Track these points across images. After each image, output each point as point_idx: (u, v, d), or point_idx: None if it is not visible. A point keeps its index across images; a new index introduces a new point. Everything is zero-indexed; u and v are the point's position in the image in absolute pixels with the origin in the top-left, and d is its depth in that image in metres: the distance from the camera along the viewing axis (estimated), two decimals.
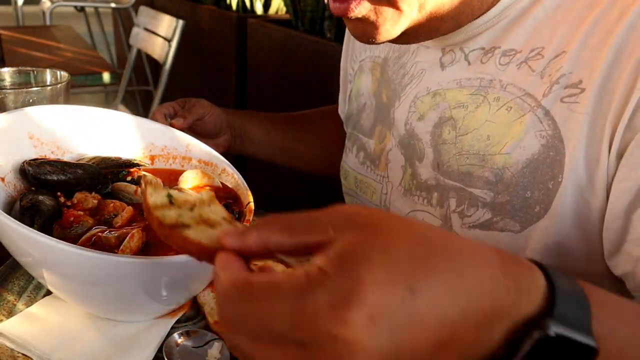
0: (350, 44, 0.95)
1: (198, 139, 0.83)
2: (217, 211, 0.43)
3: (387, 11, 0.59)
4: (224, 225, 0.41)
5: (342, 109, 1.00)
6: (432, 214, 0.70)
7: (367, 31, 0.61)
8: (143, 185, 0.43)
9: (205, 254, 0.38)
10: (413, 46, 0.76)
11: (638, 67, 0.53)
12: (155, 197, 0.42)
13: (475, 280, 0.31)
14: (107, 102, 3.75)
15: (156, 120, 0.80)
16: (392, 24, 0.60)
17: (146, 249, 0.55)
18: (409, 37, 0.63)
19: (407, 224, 0.33)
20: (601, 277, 0.61)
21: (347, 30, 0.96)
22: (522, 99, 0.61)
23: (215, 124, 0.91)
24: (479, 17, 0.63)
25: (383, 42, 0.62)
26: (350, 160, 0.86)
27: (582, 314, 0.34)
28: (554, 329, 0.32)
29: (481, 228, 0.64)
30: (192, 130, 0.86)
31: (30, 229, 0.47)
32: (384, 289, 0.28)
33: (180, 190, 0.43)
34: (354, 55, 0.93)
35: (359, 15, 0.59)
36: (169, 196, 0.42)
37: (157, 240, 0.57)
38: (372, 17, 0.60)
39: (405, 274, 0.29)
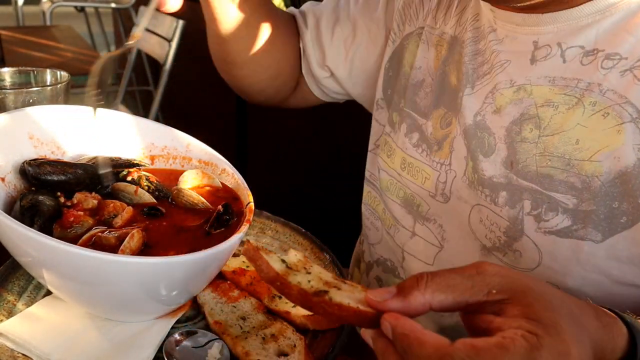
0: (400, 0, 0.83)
1: None
2: (318, 269, 0.45)
3: None
4: (345, 285, 0.45)
5: (342, 55, 0.88)
6: (496, 213, 0.66)
7: None
8: (252, 253, 0.44)
9: (362, 318, 0.41)
10: (493, 35, 0.70)
11: None
12: (273, 264, 0.44)
13: (594, 335, 0.40)
14: (107, 102, 3.75)
15: None
16: None
17: (146, 249, 0.55)
18: (524, 6, 0.59)
19: (546, 288, 0.41)
20: None
21: None
22: (623, 106, 0.57)
23: None
24: (584, 3, 0.60)
25: (519, 3, 0.58)
26: (399, 139, 0.80)
27: None
28: None
29: (559, 235, 0.61)
30: None
31: (30, 229, 0.47)
32: (577, 346, 0.38)
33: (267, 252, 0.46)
34: (404, 11, 0.83)
35: None
36: (283, 260, 0.45)
37: (157, 241, 0.57)
38: None
39: (578, 335, 0.38)
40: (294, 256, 0.47)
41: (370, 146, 0.89)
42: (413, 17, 0.82)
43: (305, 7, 0.94)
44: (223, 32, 0.83)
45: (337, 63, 0.91)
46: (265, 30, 0.86)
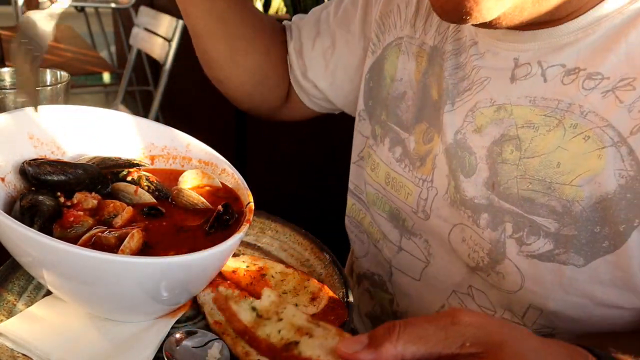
0: (377, 7, 0.81)
1: None
2: (292, 310, 0.45)
3: None
4: (318, 330, 0.45)
5: (324, 67, 0.88)
6: (479, 235, 0.65)
7: (460, 7, 0.52)
8: (222, 303, 0.44)
9: None
10: (474, 49, 0.68)
11: None
12: (242, 314, 0.43)
13: None
14: (107, 102, 3.75)
15: None
16: (496, 1, 0.52)
17: (146, 249, 0.55)
18: (501, 22, 0.55)
19: (522, 344, 0.40)
20: None
21: None
22: (604, 130, 0.55)
23: None
24: (566, 21, 0.57)
25: (476, 23, 0.54)
26: (383, 153, 0.78)
27: None
28: None
29: (540, 259, 0.60)
30: None
31: (30, 229, 0.47)
32: None
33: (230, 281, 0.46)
34: (382, 21, 0.81)
35: None
36: (253, 308, 0.45)
37: (157, 241, 0.57)
38: None
39: None
40: (267, 298, 0.47)
41: (354, 157, 0.88)
42: (392, 27, 0.80)
43: (293, 19, 0.94)
44: (197, 27, 0.82)
45: (319, 75, 0.90)
46: (243, 30, 0.84)
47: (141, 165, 0.67)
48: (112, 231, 0.56)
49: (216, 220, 0.59)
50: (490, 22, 0.55)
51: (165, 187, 0.66)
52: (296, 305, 0.60)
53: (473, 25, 0.56)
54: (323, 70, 0.90)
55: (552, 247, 0.59)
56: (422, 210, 0.73)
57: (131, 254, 0.53)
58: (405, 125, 0.76)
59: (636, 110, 0.54)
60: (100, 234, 0.55)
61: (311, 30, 0.90)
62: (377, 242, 0.83)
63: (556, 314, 0.62)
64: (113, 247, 0.54)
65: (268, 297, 0.47)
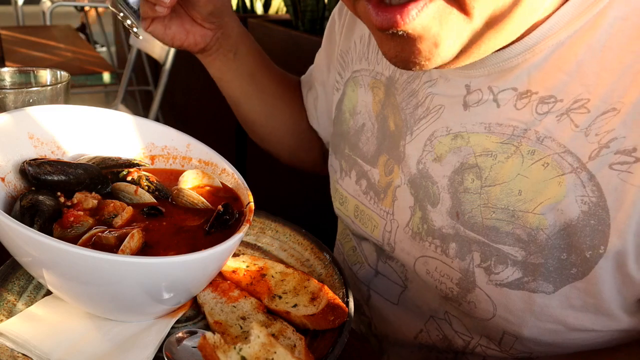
0: (338, 46, 0.83)
1: (181, 8, 0.75)
2: (282, 353, 0.45)
3: (453, 19, 0.48)
4: None
5: (317, 112, 0.93)
6: (448, 265, 0.64)
7: (415, 54, 0.50)
8: (208, 351, 0.43)
9: None
10: (427, 75, 0.66)
11: None
12: None
13: None
14: (107, 102, 3.75)
15: None
16: (455, 38, 0.49)
17: (146, 249, 0.55)
18: (450, 64, 0.53)
19: None
20: None
21: (331, 21, 0.87)
22: (562, 156, 0.54)
23: (212, 2, 0.75)
24: (512, 44, 0.55)
25: (432, 68, 0.52)
26: (349, 186, 0.78)
27: None
28: None
29: (510, 287, 0.59)
30: None
31: (30, 229, 0.47)
32: None
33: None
34: (341, 58, 0.82)
35: (418, 27, 0.47)
36: (243, 358, 0.44)
37: (157, 241, 0.57)
38: (435, 28, 0.48)
39: None
40: (256, 339, 0.46)
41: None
42: (350, 63, 0.81)
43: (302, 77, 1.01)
44: (233, 91, 0.89)
45: (313, 122, 0.96)
46: (273, 87, 0.91)
47: (141, 165, 0.67)
48: (112, 231, 0.56)
49: (216, 220, 0.59)
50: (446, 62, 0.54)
51: (165, 187, 0.66)
52: (295, 305, 0.60)
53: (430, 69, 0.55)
54: (313, 118, 0.95)
55: (520, 275, 0.58)
56: (387, 243, 0.72)
57: (131, 254, 0.53)
58: (367, 158, 0.75)
59: (593, 133, 0.52)
60: (100, 234, 0.55)
61: (305, 85, 0.97)
62: (353, 265, 0.83)
63: (531, 340, 0.61)
64: (113, 247, 0.54)
65: (258, 338, 0.46)
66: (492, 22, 0.49)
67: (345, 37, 0.82)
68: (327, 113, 0.92)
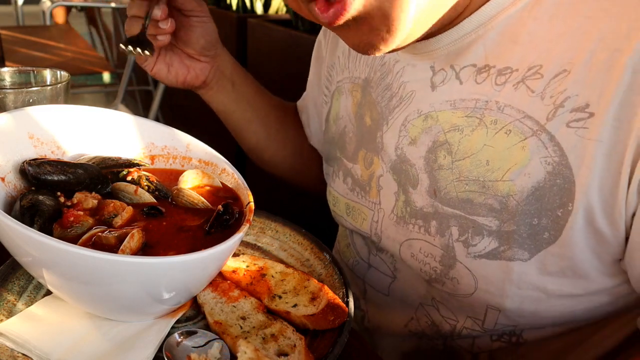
0: (325, 62, 0.89)
1: (177, 47, 0.80)
2: None
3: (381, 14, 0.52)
4: None
5: (311, 130, 0.97)
6: (431, 243, 0.66)
7: (373, 33, 0.54)
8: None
9: None
10: (397, 66, 0.71)
11: None
12: None
13: None
14: (107, 102, 3.75)
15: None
16: (400, 10, 0.53)
17: (146, 249, 0.55)
18: (403, 44, 0.57)
19: None
20: (625, 292, 0.60)
21: (317, 43, 0.93)
22: (522, 121, 0.57)
23: (202, 36, 0.80)
24: (462, 20, 0.59)
25: (395, 45, 0.56)
26: (339, 186, 0.82)
27: None
28: None
29: (488, 258, 0.61)
30: (175, 32, 0.78)
31: (30, 229, 0.47)
32: None
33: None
34: (328, 74, 0.88)
35: (360, 8, 0.51)
36: None
37: (157, 241, 0.57)
38: (376, 2, 0.52)
39: None
40: (242, 355, 0.47)
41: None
42: (335, 76, 0.86)
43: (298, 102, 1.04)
44: (234, 119, 0.93)
45: (312, 141, 0.99)
46: (271, 110, 0.95)
47: (141, 165, 0.67)
48: (112, 231, 0.56)
49: (216, 220, 0.59)
50: (395, 48, 0.57)
51: (165, 187, 0.66)
52: (295, 305, 0.60)
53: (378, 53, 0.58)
54: (314, 138, 0.99)
55: (497, 245, 0.60)
56: (375, 234, 0.74)
57: (131, 254, 0.53)
58: (350, 156, 0.79)
59: (548, 96, 0.55)
60: (100, 234, 0.55)
61: (300, 109, 1.01)
62: (348, 260, 0.85)
63: (514, 311, 0.63)
64: (113, 247, 0.54)
65: (244, 354, 0.47)
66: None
67: (331, 53, 0.88)
68: (320, 129, 0.95)
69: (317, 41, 0.94)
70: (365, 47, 0.56)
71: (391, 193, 0.71)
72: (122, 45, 0.74)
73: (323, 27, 0.92)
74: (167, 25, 0.75)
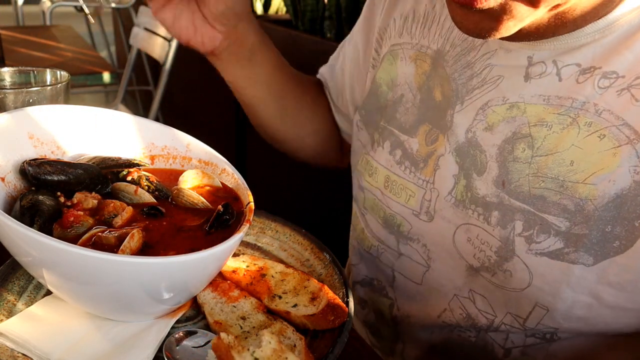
0: (375, 19, 0.85)
1: (194, 4, 0.74)
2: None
3: (521, 7, 0.51)
4: None
5: (338, 81, 0.93)
6: (488, 232, 0.64)
7: (483, 25, 0.54)
8: (223, 351, 0.44)
9: None
10: (487, 47, 0.67)
11: None
12: None
13: None
14: (107, 102, 3.76)
15: None
16: (517, 21, 0.53)
17: (146, 249, 0.55)
18: (521, 36, 0.57)
19: None
20: None
21: (369, 2, 0.88)
22: (619, 128, 0.55)
23: (223, 1, 0.73)
24: (586, 25, 0.57)
25: (495, 38, 0.55)
26: (381, 157, 0.78)
27: None
28: None
29: (550, 257, 0.60)
30: None
31: (30, 229, 0.47)
32: None
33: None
34: (379, 36, 0.84)
35: (488, 7, 0.51)
36: (256, 359, 0.45)
37: (157, 241, 0.57)
38: (500, 11, 0.51)
39: None
40: (267, 345, 0.47)
41: (353, 166, 0.89)
42: (387, 39, 0.82)
43: (320, 71, 1.01)
44: (247, 97, 0.88)
45: (336, 113, 0.96)
46: (287, 90, 0.90)
47: (141, 165, 0.67)
48: (112, 231, 0.56)
49: (216, 220, 0.59)
50: (510, 36, 0.56)
51: (165, 187, 0.66)
52: (295, 305, 0.60)
53: (484, 38, 0.57)
54: (338, 107, 0.96)
55: (562, 246, 0.59)
56: (425, 212, 0.72)
57: (131, 254, 0.53)
58: (405, 128, 0.76)
59: None
60: (100, 234, 0.55)
61: (327, 77, 0.97)
62: (369, 248, 0.83)
63: (562, 313, 0.62)
64: (113, 247, 0.54)
65: (269, 344, 0.47)
66: (562, 13, 0.53)
67: (385, 15, 0.83)
68: (353, 95, 0.91)
69: (369, 3, 0.88)
70: (478, 31, 0.55)
71: (449, 175, 0.69)
72: None
73: None
74: None
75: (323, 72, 0.98)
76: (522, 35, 0.57)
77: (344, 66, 0.93)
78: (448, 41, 0.72)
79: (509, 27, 0.53)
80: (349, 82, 0.92)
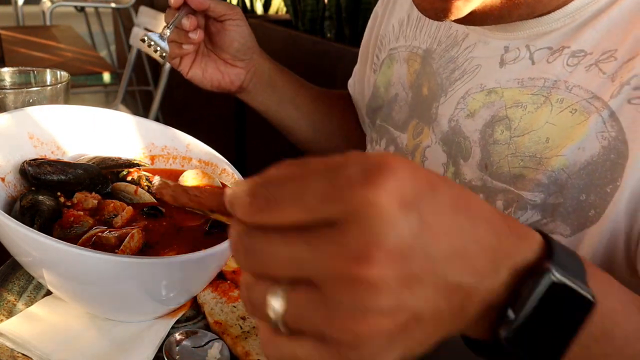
0: (376, 28, 0.90)
1: (213, 53, 0.83)
2: None
3: None
4: None
5: (356, 88, 0.98)
6: None
7: (437, 6, 0.57)
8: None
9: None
10: (468, 41, 0.71)
11: None
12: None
13: (483, 213, 0.30)
14: (107, 102, 3.76)
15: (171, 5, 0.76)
16: (466, 1, 0.56)
17: (146, 249, 0.55)
18: (477, 18, 0.59)
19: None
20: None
21: (373, 14, 0.93)
22: (589, 101, 0.57)
23: (236, 40, 0.83)
24: (554, 10, 0.60)
25: (452, 19, 0.58)
26: None
27: (578, 269, 0.34)
28: (557, 275, 0.31)
29: None
30: (207, 33, 0.81)
31: (30, 229, 0.47)
32: (411, 170, 0.27)
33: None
34: (379, 42, 0.89)
35: None
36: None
37: (157, 240, 0.57)
38: None
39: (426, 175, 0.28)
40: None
41: None
42: (386, 44, 0.87)
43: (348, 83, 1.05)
44: (279, 119, 0.94)
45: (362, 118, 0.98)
46: (315, 105, 0.96)
47: (141, 165, 0.67)
48: (112, 231, 0.56)
49: (216, 220, 0.59)
50: (466, 19, 0.59)
51: None
52: None
53: (454, 22, 0.60)
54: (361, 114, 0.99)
55: (539, 217, 0.60)
56: None
57: (131, 254, 0.53)
58: (398, 125, 0.79)
59: (618, 77, 0.56)
60: (100, 234, 0.55)
61: (352, 90, 1.01)
62: None
63: None
64: (113, 247, 0.54)
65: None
66: None
67: (386, 23, 0.89)
68: (362, 102, 0.95)
69: (374, 12, 0.94)
70: (436, 12, 0.58)
71: (439, 164, 0.71)
72: (142, 36, 0.79)
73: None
74: (196, 36, 0.79)
75: (349, 83, 1.05)
76: (479, 18, 0.59)
77: (356, 77, 0.99)
78: (435, 40, 0.76)
79: (459, 7, 0.56)
80: (359, 90, 0.98)
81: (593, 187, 0.57)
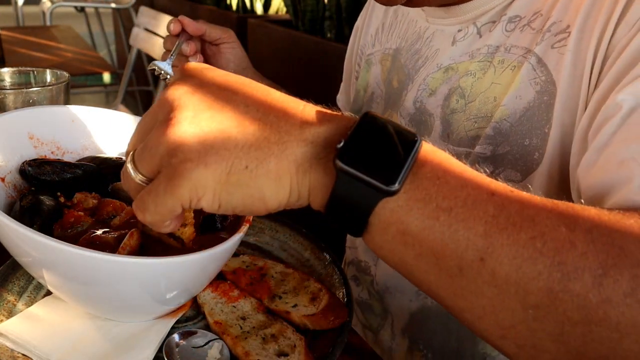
0: (357, 41, 0.95)
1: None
2: None
3: None
4: None
5: (344, 102, 1.02)
6: None
7: None
8: None
9: None
10: (428, 32, 0.77)
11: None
12: None
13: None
14: (107, 102, 3.76)
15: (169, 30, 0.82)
16: None
17: (145, 249, 0.55)
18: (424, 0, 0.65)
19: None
20: None
21: (354, 29, 1.00)
22: (525, 56, 0.63)
23: (232, 61, 0.89)
24: None
25: (401, 3, 0.64)
26: None
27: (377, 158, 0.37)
28: (339, 163, 0.36)
29: None
30: (203, 56, 0.85)
31: (30, 229, 0.47)
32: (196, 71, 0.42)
33: None
34: (360, 52, 0.93)
35: None
36: None
37: (155, 241, 0.57)
38: None
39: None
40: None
41: None
42: (365, 52, 0.92)
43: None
44: None
45: None
46: None
47: None
48: (112, 231, 0.56)
49: (215, 220, 0.59)
50: (414, 2, 0.66)
51: None
52: (295, 305, 0.60)
53: (405, 6, 0.66)
54: None
55: (492, 169, 0.65)
56: None
57: (130, 252, 0.53)
58: None
59: (544, 29, 0.62)
60: (99, 234, 0.55)
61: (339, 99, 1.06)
62: None
63: None
64: (112, 247, 0.54)
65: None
66: None
67: (365, 34, 0.94)
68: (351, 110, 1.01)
69: (355, 27, 1.00)
70: None
71: None
72: (151, 65, 0.84)
73: (361, 13, 0.99)
74: (196, 60, 0.84)
75: (337, 98, 1.07)
76: (426, 4, 0.67)
77: (343, 92, 1.04)
78: (404, 39, 0.83)
79: None
80: (346, 102, 1.02)
81: (534, 130, 0.61)
